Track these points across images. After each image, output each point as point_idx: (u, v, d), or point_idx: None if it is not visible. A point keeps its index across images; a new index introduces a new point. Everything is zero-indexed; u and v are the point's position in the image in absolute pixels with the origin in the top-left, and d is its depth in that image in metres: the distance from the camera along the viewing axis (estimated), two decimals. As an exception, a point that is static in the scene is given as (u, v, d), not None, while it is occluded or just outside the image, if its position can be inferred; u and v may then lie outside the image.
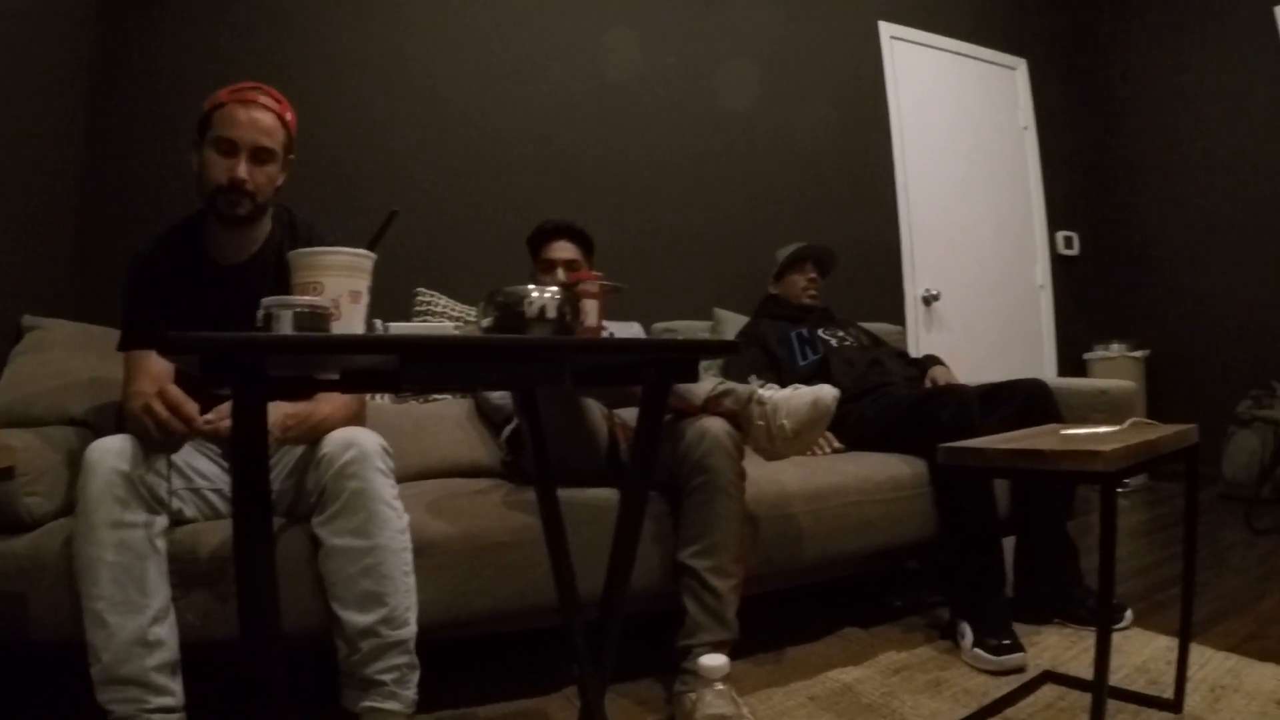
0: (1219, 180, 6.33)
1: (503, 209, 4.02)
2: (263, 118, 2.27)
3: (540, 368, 1.61)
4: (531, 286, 1.62)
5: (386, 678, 2.00)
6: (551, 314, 1.60)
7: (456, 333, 1.63)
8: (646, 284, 4.28)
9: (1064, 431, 2.31)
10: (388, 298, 2.86)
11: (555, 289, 1.63)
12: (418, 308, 3.43)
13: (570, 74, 4.33)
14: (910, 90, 5.78)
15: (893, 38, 5.74)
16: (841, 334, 3.90)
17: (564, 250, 3.22)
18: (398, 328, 1.56)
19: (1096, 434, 2.19)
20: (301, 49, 3.82)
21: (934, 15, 6.05)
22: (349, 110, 3.85)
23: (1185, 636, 2.33)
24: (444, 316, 3.41)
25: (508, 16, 4.20)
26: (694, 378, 1.77)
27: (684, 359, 1.75)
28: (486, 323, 1.61)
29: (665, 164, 4.54)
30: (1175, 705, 2.32)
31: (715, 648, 2.38)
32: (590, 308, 1.81)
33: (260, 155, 2.27)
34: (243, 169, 2.23)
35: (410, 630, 2.05)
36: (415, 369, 1.48)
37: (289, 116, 2.36)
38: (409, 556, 2.09)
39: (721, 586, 2.44)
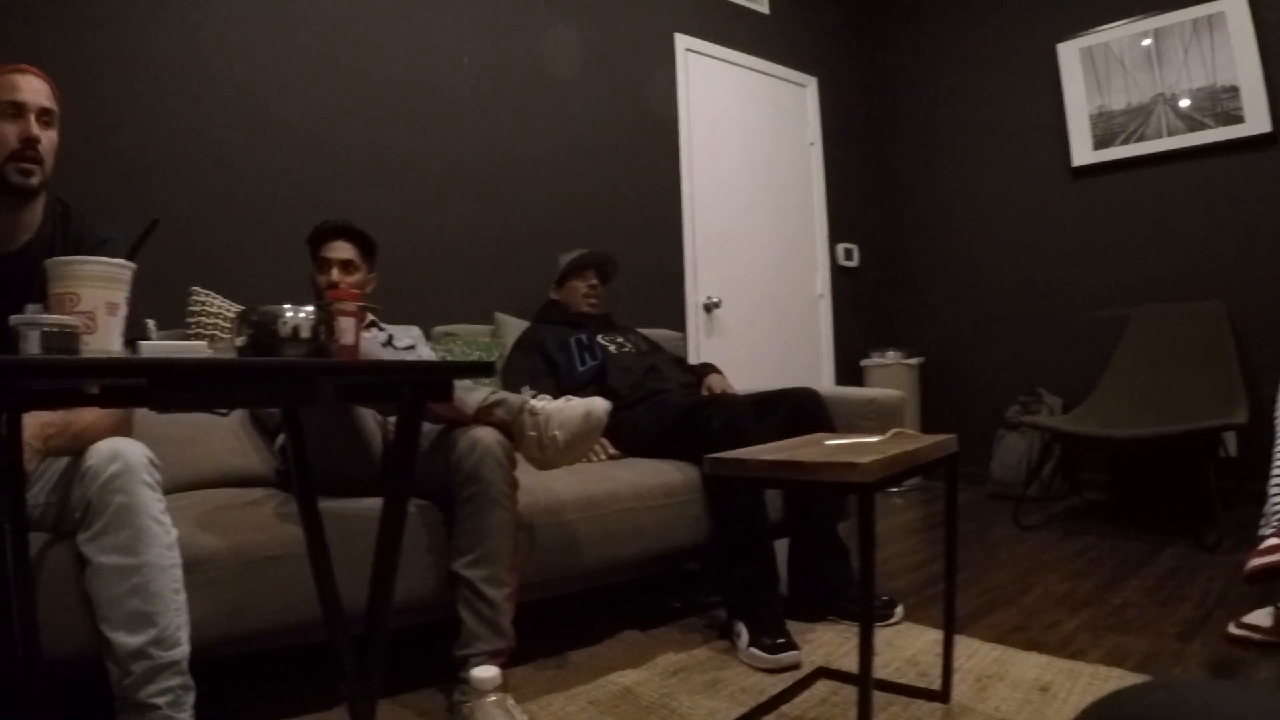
0: (991, 198, 6.73)
1: (286, 207, 3.87)
2: (41, 84, 2.19)
3: (291, 389, 1.59)
4: (286, 306, 1.59)
5: (160, 700, 1.92)
6: (305, 334, 1.58)
7: (208, 353, 1.58)
8: (428, 287, 4.26)
9: (828, 441, 2.38)
10: (165, 296, 2.78)
11: (310, 308, 1.61)
12: (192, 308, 3.30)
13: (360, 72, 4.21)
14: (702, 102, 5.86)
15: (688, 50, 5.80)
16: (621, 340, 3.93)
17: (340, 250, 3.18)
18: (149, 348, 1.50)
19: (858, 444, 2.26)
20: (75, 32, 3.64)
21: (731, 31, 6.15)
22: (122, 97, 3.66)
23: (949, 630, 2.45)
24: (219, 318, 3.31)
25: (295, 10, 4.08)
26: (448, 397, 1.77)
27: (438, 379, 1.75)
28: (240, 341, 1.59)
29: (452, 165, 4.49)
30: (943, 695, 2.43)
31: (492, 657, 2.38)
32: (346, 326, 1.79)
33: (46, 117, 2.19)
34: (34, 127, 2.14)
35: (183, 650, 1.97)
36: (163, 391, 1.44)
37: (57, 93, 2.28)
38: (179, 573, 2.01)
39: (496, 596, 2.44)
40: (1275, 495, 2.77)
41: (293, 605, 2.30)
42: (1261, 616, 2.87)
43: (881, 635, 3.02)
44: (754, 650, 2.77)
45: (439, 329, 3.96)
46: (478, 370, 1.96)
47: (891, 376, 6.47)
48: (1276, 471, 2.81)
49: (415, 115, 4.37)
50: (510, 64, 4.79)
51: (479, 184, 4.56)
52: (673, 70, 5.68)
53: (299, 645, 2.42)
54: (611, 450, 3.45)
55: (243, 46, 3.87)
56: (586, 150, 5.10)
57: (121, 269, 1.52)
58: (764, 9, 6.44)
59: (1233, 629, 2.89)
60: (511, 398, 2.59)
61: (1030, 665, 2.69)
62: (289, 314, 1.57)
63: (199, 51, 3.76)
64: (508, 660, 2.46)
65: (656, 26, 5.64)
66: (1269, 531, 2.71)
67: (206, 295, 3.30)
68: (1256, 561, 2.63)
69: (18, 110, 2.14)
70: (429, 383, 1.74)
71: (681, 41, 5.75)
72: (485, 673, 1.95)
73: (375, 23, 4.27)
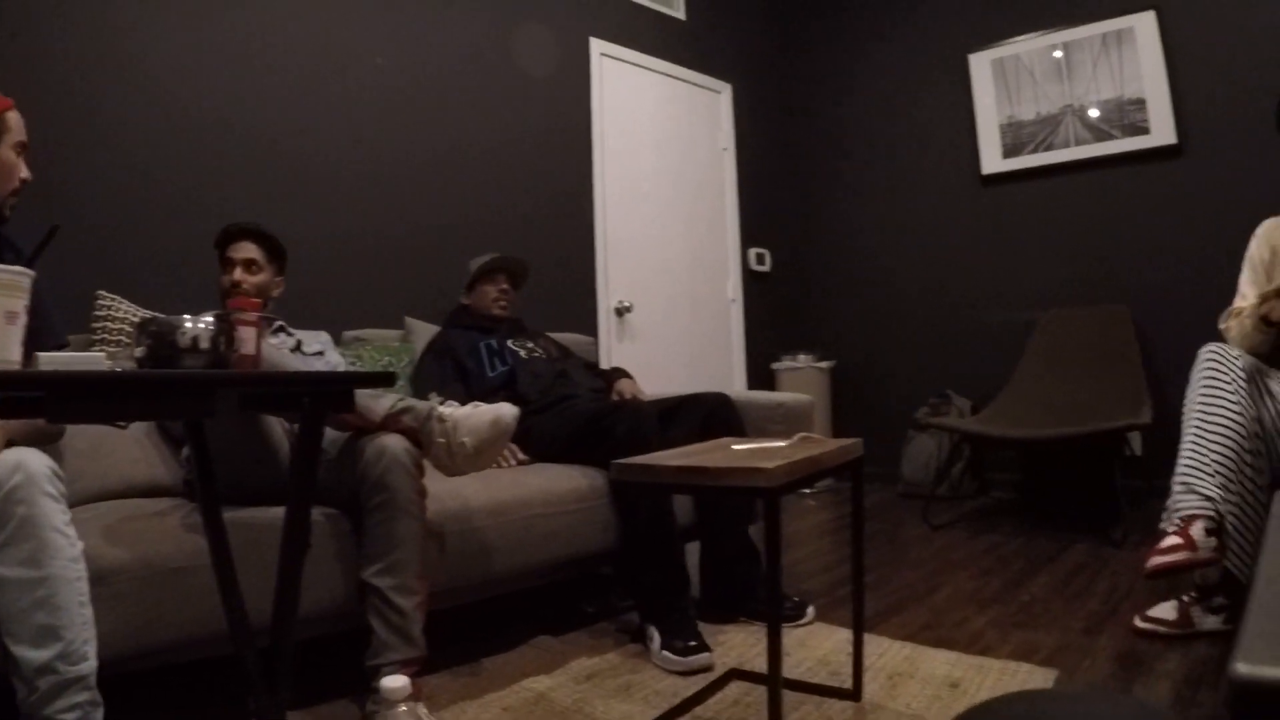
0: (903, 204, 6.86)
1: (197, 209, 3.77)
2: None
3: (189, 402, 1.57)
4: (187, 317, 1.58)
5: (68, 717, 1.87)
6: (205, 344, 1.56)
7: (106, 365, 1.55)
8: (339, 291, 4.22)
9: (735, 446, 2.40)
10: (71, 298, 2.73)
11: (209, 319, 1.60)
12: (97, 313, 3.24)
13: (273, 72, 4.14)
14: (616, 107, 5.87)
15: (603, 55, 5.80)
16: (531, 345, 3.93)
17: (244, 250, 3.15)
18: (46, 359, 1.48)
19: (764, 449, 2.28)
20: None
21: (646, 37, 6.18)
22: (24, 93, 3.54)
23: (859, 629, 2.49)
24: (125, 324, 3.25)
25: (207, 9, 3.98)
26: (349, 407, 1.76)
27: (339, 389, 1.74)
28: (139, 352, 1.57)
29: (365, 168, 4.44)
30: (855, 694, 2.47)
31: (404, 666, 2.37)
32: (247, 335, 1.78)
33: None
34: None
35: (90, 665, 1.93)
36: (59, 405, 1.42)
37: None
38: (84, 586, 1.97)
39: (406, 604, 2.43)
40: (1179, 491, 2.84)
41: (202, 617, 2.26)
42: (1166, 610, 2.96)
43: (793, 636, 3.06)
44: (666, 653, 2.79)
45: (349, 333, 3.92)
46: (379, 380, 1.95)
47: (803, 380, 6.54)
48: (1180, 469, 2.88)
49: (327, 116, 4.32)
50: (424, 65, 4.75)
51: (391, 187, 4.52)
52: (587, 75, 5.68)
53: (210, 658, 2.38)
54: (521, 456, 3.44)
55: (153, 44, 3.78)
56: (499, 154, 5.08)
57: (20, 276, 1.49)
58: (680, 15, 6.47)
59: (1138, 623, 2.98)
60: (419, 404, 2.58)
61: (940, 662, 2.74)
62: (188, 324, 1.56)
63: (107, 47, 3.66)
64: (420, 669, 2.46)
65: (572, 31, 5.64)
66: (1171, 528, 2.77)
67: (112, 300, 3.23)
68: (1157, 560, 2.69)
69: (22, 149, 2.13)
70: (330, 393, 1.73)
71: (597, 46, 5.76)
72: (395, 682, 1.93)
73: (288, 22, 4.21)
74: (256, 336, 1.82)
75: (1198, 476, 2.81)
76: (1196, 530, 2.70)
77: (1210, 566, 2.78)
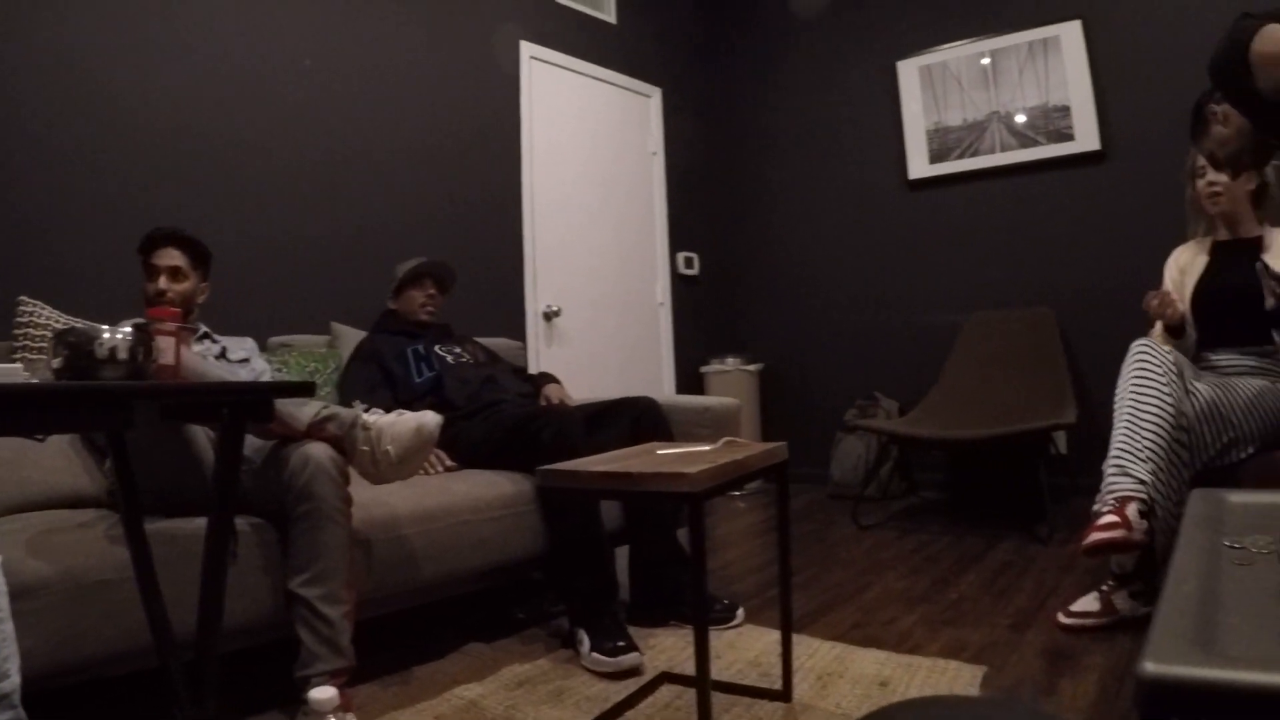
0: (831, 208, 6.93)
1: (121, 211, 3.69)
2: None
3: (107, 414, 1.55)
4: (105, 327, 1.56)
5: None
6: (123, 355, 1.55)
7: (22, 377, 1.53)
8: (264, 296, 4.17)
9: (660, 451, 2.41)
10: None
11: (128, 329, 1.58)
12: (19, 319, 3.16)
13: (198, 72, 4.06)
14: (546, 111, 5.86)
15: (533, 58, 5.79)
16: (458, 351, 3.91)
17: (169, 257, 3.07)
18: (-43, 370, 1.46)
19: (689, 454, 2.30)
20: None
21: (577, 40, 6.18)
22: None
23: (787, 630, 2.50)
24: (47, 330, 3.19)
25: (134, 9, 3.91)
26: (269, 417, 1.74)
27: (258, 399, 1.73)
28: (57, 363, 1.54)
29: (291, 171, 4.39)
30: (785, 695, 2.49)
31: (333, 676, 2.35)
32: (165, 345, 1.76)
33: None
34: None
35: (13, 683, 1.89)
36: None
37: None
38: (5, 601, 1.92)
39: (333, 614, 2.40)
40: (1112, 473, 2.90)
41: (127, 631, 2.22)
42: (1089, 602, 3.03)
43: (724, 638, 3.07)
44: (596, 655, 2.79)
45: (275, 339, 3.88)
46: (298, 390, 1.93)
47: (731, 383, 6.57)
48: (1114, 453, 2.94)
49: (254, 119, 4.25)
50: (352, 68, 4.71)
51: (318, 190, 4.47)
52: (517, 78, 5.67)
53: (137, 672, 2.34)
54: (449, 462, 3.42)
55: (77, 44, 3.70)
56: (428, 158, 5.05)
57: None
58: (611, 19, 6.49)
59: (1062, 619, 3.04)
60: (343, 412, 2.56)
61: (869, 661, 2.77)
62: (106, 335, 1.54)
63: (28, 47, 3.58)
64: (349, 679, 2.44)
65: (502, 34, 5.61)
66: (1106, 508, 2.82)
67: (35, 305, 3.17)
68: (1096, 537, 2.74)
69: None
70: (249, 403, 1.72)
71: (527, 49, 5.75)
72: (323, 694, 1.92)
73: (215, 23, 4.14)
74: (175, 346, 1.80)
75: (1131, 460, 2.89)
76: (1131, 511, 2.76)
77: (1140, 549, 2.84)
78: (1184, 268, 3.47)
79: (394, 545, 2.78)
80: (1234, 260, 3.33)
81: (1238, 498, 1.70)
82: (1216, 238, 3.49)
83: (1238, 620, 0.98)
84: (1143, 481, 2.83)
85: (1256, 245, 3.34)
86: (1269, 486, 2.57)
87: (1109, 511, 2.80)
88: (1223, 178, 3.35)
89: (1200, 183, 3.40)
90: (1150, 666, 0.80)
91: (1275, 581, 1.11)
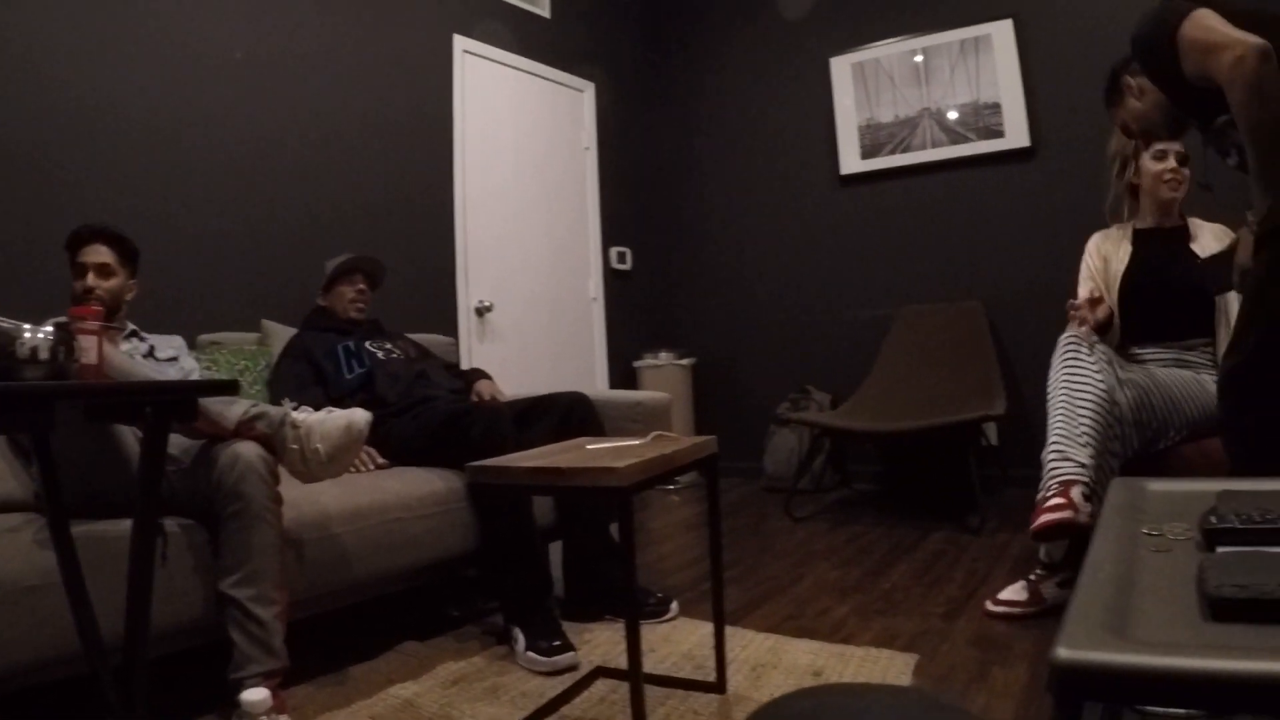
0: (763, 203, 6.98)
1: (44, 204, 3.62)
2: None
3: (29, 415, 1.52)
4: (26, 326, 1.54)
5: None
6: (44, 355, 1.52)
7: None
8: (193, 293, 4.12)
9: (590, 446, 2.42)
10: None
11: (49, 328, 1.56)
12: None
13: (124, 62, 3.97)
14: (479, 105, 5.83)
15: (466, 52, 5.75)
16: (389, 347, 3.89)
17: (97, 254, 3.01)
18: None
19: (618, 448, 2.31)
20: None
21: (511, 34, 6.15)
22: None
23: (719, 622, 2.52)
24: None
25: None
26: (194, 417, 1.73)
27: (181, 398, 1.71)
28: (-25, 364, 1.52)
29: (219, 164, 4.32)
30: (719, 686, 2.50)
31: (266, 678, 2.33)
32: (88, 344, 1.73)
33: None
34: None
35: None
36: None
37: None
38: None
39: (265, 615, 2.38)
40: (1054, 458, 2.95)
41: (57, 637, 2.17)
42: (1017, 591, 3.08)
43: (658, 632, 3.09)
44: (531, 654, 2.79)
45: (204, 337, 3.82)
46: (221, 389, 1.92)
47: (664, 377, 6.60)
48: (1053, 439, 2.99)
49: (183, 111, 4.17)
50: (283, 60, 4.65)
51: (248, 185, 4.41)
52: (450, 72, 5.64)
53: (68, 678, 2.30)
54: (380, 460, 3.41)
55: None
56: (359, 152, 5.01)
57: None
58: (545, 13, 6.47)
59: (990, 606, 3.09)
60: (272, 410, 2.54)
61: (803, 652, 2.81)
62: (27, 334, 1.52)
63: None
64: (283, 680, 2.42)
65: (435, 27, 5.58)
66: (1051, 493, 2.86)
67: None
68: (1045, 518, 2.79)
69: None
70: (173, 402, 1.70)
71: (460, 43, 5.72)
72: (255, 695, 1.91)
73: (143, 12, 4.06)
74: (98, 345, 1.78)
75: (1070, 444, 2.95)
76: (1076, 494, 2.81)
77: (1086, 531, 2.88)
78: (1106, 256, 3.51)
79: (326, 544, 2.76)
80: (1159, 250, 3.39)
81: (1157, 486, 1.73)
82: (1138, 225, 3.53)
83: (1151, 605, 1.01)
84: (1084, 465, 2.88)
85: (1181, 234, 3.41)
86: (1195, 474, 2.61)
87: (1054, 495, 2.85)
88: (1186, 170, 3.39)
89: (1160, 167, 3.40)
90: (1063, 652, 0.82)
91: (1190, 568, 1.13)
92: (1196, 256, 3.25)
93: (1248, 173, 2.29)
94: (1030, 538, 2.89)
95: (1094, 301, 3.28)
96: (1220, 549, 1.22)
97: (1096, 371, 3.00)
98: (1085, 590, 1.03)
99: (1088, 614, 0.94)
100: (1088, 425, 2.95)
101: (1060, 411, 3.03)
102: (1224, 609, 0.96)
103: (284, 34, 4.68)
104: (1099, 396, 2.96)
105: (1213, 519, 1.28)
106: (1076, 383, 3.02)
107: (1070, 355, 3.08)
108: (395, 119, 5.27)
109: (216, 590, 2.41)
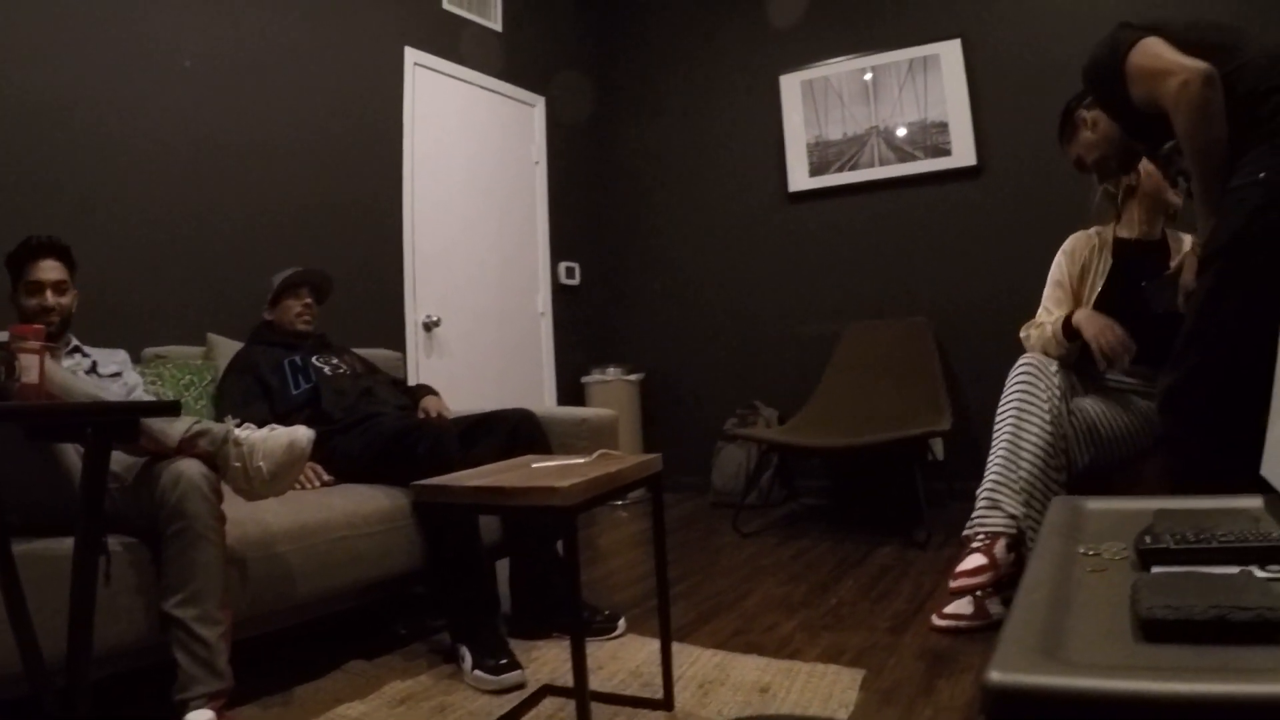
0: (712, 219, 7.04)
1: None
2: None
3: (-34, 435, 1.51)
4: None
5: None
6: (-16, 374, 1.51)
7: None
8: (137, 306, 4.06)
9: (535, 465, 2.42)
10: None
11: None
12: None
13: (69, 70, 3.91)
14: (429, 118, 5.82)
15: (417, 64, 5.74)
16: (336, 362, 3.87)
17: (51, 270, 2.96)
18: None
19: (564, 467, 2.31)
20: None
21: (463, 47, 6.14)
22: None
23: (666, 639, 2.54)
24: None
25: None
26: (135, 436, 1.71)
27: (123, 419, 1.70)
28: (-88, 383, 1.51)
29: (165, 175, 4.27)
30: (667, 704, 2.51)
31: (211, 699, 2.29)
32: (29, 363, 1.72)
33: None
34: None
35: None
36: None
37: None
38: None
39: (209, 635, 2.35)
40: (984, 506, 3.00)
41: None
42: (963, 605, 3.11)
43: (605, 649, 3.09)
44: (479, 673, 2.78)
45: (149, 350, 3.77)
46: (163, 410, 1.90)
47: (612, 393, 6.60)
48: (988, 483, 3.03)
49: (129, 120, 4.11)
50: (232, 70, 4.61)
51: (194, 197, 4.35)
52: (400, 84, 5.63)
53: (10, 699, 2.25)
54: (326, 477, 3.38)
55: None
56: (308, 164, 4.98)
57: None
58: (497, 27, 6.47)
59: (936, 621, 3.11)
60: (215, 428, 2.51)
61: (750, 668, 2.82)
62: (-35, 354, 1.50)
63: None
64: (228, 701, 2.38)
65: (386, 40, 5.56)
66: (976, 544, 2.91)
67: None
68: (963, 582, 2.86)
69: None
70: (114, 423, 1.69)
71: (411, 55, 5.70)
72: (201, 717, 1.90)
73: (89, 20, 4.01)
74: (40, 363, 1.76)
75: (1004, 494, 2.99)
76: (999, 549, 2.88)
77: (1008, 580, 2.93)
78: (1084, 265, 3.47)
79: (270, 563, 2.73)
80: (1140, 265, 3.33)
81: (1096, 505, 1.75)
82: (1120, 233, 3.48)
83: (1085, 626, 1.02)
84: (1014, 516, 2.94)
85: (1163, 249, 3.39)
86: (1140, 490, 2.65)
87: (978, 549, 2.91)
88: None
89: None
90: (996, 675, 0.84)
91: (1124, 588, 1.15)
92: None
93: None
94: (949, 593, 2.95)
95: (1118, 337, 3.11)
96: (1155, 569, 1.24)
97: (1046, 411, 3.04)
98: (1020, 611, 1.05)
99: (1022, 636, 0.95)
100: (1028, 470, 3.01)
101: (1003, 450, 3.08)
102: (1155, 630, 0.98)
103: (234, 43, 4.64)
104: (1044, 441, 3.01)
105: (1147, 539, 1.30)
106: (1024, 422, 3.06)
107: (1023, 388, 3.12)
108: (345, 131, 5.24)
109: (160, 610, 2.38)
